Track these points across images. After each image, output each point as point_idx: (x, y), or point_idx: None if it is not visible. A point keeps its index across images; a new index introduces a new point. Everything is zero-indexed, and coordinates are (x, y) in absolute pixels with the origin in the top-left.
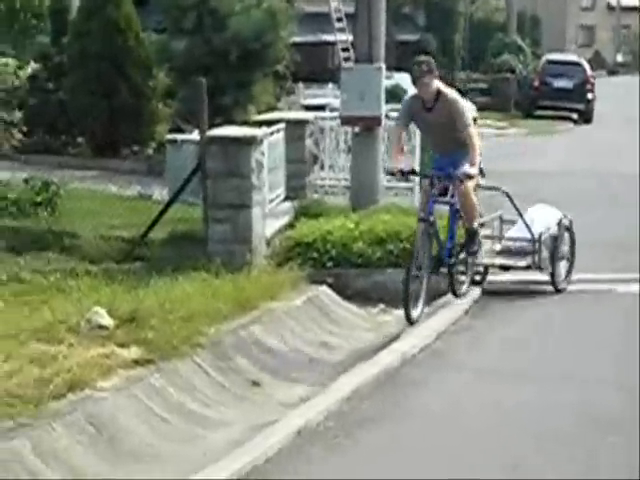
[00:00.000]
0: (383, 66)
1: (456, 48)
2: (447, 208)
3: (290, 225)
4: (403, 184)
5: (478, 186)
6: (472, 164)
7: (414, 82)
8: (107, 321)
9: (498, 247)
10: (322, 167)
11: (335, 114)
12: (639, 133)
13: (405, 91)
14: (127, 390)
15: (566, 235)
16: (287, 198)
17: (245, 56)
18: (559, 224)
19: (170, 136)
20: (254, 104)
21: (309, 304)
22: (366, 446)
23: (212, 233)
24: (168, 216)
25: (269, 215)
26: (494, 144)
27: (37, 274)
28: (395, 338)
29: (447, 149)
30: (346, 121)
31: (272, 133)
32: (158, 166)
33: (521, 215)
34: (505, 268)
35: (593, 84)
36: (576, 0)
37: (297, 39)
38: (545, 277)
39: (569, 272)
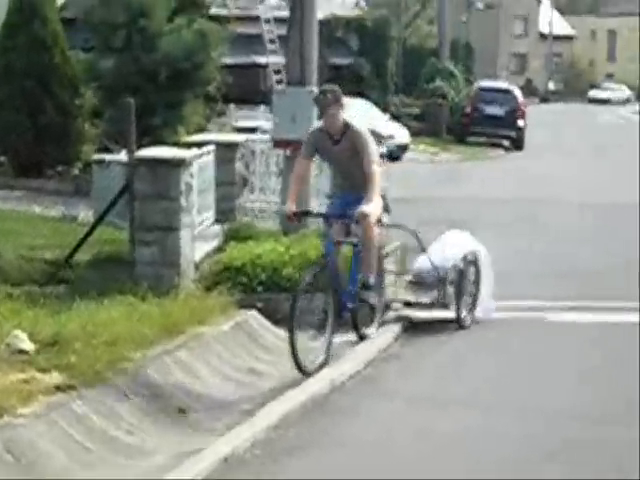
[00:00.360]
0: (315, 89)
1: (389, 73)
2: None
3: (219, 249)
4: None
5: (381, 224)
6: (368, 201)
7: (320, 113)
8: (28, 345)
9: (403, 280)
10: (252, 190)
11: (266, 137)
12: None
13: None
14: (47, 417)
15: (472, 269)
16: (217, 221)
17: (175, 76)
18: (464, 259)
19: (97, 156)
20: (184, 125)
21: (238, 329)
22: (293, 474)
23: (139, 256)
24: (94, 238)
25: (198, 238)
26: (427, 170)
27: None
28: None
29: (354, 185)
30: (278, 144)
31: (202, 155)
32: (84, 187)
33: (426, 254)
34: (408, 304)
35: (524, 111)
36: (508, 28)
37: (229, 60)
38: (449, 315)
39: (473, 307)
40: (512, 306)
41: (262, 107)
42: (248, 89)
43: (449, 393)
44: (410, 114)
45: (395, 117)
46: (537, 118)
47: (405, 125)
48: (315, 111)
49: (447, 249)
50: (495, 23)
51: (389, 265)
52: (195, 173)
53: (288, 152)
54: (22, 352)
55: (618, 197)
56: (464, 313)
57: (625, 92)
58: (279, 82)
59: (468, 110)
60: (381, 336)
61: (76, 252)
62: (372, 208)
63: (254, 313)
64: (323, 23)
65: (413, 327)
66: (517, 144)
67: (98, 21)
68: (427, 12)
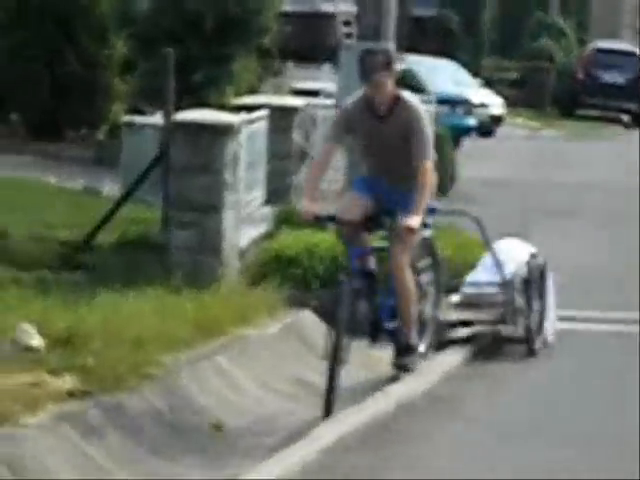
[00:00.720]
0: (392, 46)
1: (483, 28)
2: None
3: (269, 235)
4: None
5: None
6: (416, 212)
7: (363, 78)
8: (37, 341)
9: (456, 297)
10: (307, 161)
11: (330, 102)
12: None
13: (418, 79)
14: (57, 428)
15: (537, 279)
16: (267, 202)
17: (223, 24)
18: (529, 263)
19: (127, 118)
20: (232, 84)
21: (287, 332)
22: None
23: (174, 240)
24: (120, 216)
25: (244, 221)
26: (525, 148)
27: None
28: (392, 379)
29: (393, 178)
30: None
31: (253, 121)
32: (110, 154)
33: (492, 250)
34: (467, 324)
35: None
36: None
37: (288, 7)
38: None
39: (541, 326)
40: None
41: (327, 66)
42: (311, 43)
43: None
44: (507, 79)
45: (488, 83)
46: None
47: (500, 93)
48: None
49: (509, 255)
50: None
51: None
52: (244, 142)
53: None
54: (30, 349)
55: None
56: (535, 332)
57: None
58: (348, 36)
59: (580, 76)
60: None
61: (98, 232)
62: (418, 221)
63: (308, 313)
64: None
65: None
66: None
67: None
68: None
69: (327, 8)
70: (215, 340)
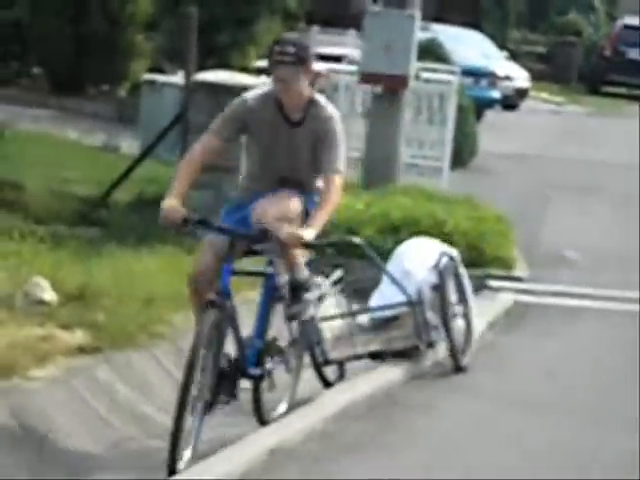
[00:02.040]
0: (418, 14)
1: (511, 3)
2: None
3: None
4: (429, 162)
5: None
6: (315, 226)
7: (270, 71)
8: (49, 296)
9: (359, 322)
10: None
11: (354, 68)
12: None
13: (443, 49)
14: (66, 382)
15: (452, 280)
16: None
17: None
18: (437, 266)
19: (148, 76)
20: (255, 46)
21: None
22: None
23: (190, 199)
24: (138, 174)
25: None
26: (549, 123)
27: None
28: None
29: (283, 184)
30: (366, 78)
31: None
32: (131, 112)
33: (386, 273)
34: (376, 356)
35: None
36: None
37: None
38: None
39: (469, 335)
40: None
41: (351, 31)
42: (336, 8)
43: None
44: (533, 53)
45: (514, 56)
46: None
47: (526, 66)
48: (415, 40)
49: (406, 264)
50: None
51: (331, 308)
52: None
53: (378, 89)
54: (42, 303)
55: None
56: (458, 345)
57: None
58: (375, 1)
59: (608, 53)
60: None
61: (115, 190)
62: (313, 234)
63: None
64: None
65: None
66: None
67: None
68: None
69: None
70: None
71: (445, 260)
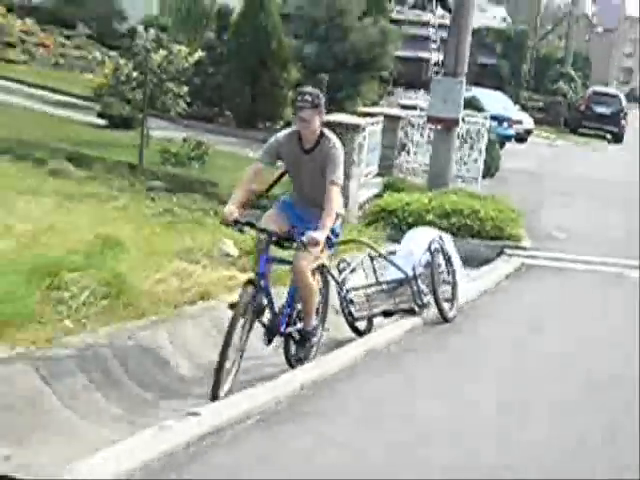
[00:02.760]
0: (464, 80)
1: (523, 73)
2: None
3: (378, 195)
4: (469, 174)
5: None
6: (322, 229)
7: (295, 115)
8: (233, 251)
9: (374, 291)
10: (408, 153)
11: (423, 113)
12: None
13: (479, 102)
14: None
15: (440, 258)
16: (378, 174)
17: (358, 63)
18: (429, 249)
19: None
20: (361, 99)
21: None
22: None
23: None
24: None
25: (363, 186)
26: (545, 151)
27: (185, 210)
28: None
29: (312, 203)
30: (431, 120)
31: (373, 123)
32: None
33: (386, 259)
34: (388, 314)
35: (626, 113)
36: (620, 47)
37: (401, 53)
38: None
39: (453, 297)
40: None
41: (422, 91)
42: (413, 76)
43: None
44: (536, 107)
45: (524, 108)
46: (635, 119)
47: (531, 115)
48: (462, 97)
49: (411, 245)
50: (610, 43)
51: (358, 279)
52: (366, 136)
53: (439, 127)
54: (228, 255)
55: None
56: (444, 305)
57: None
58: (437, 73)
59: (582, 108)
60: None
61: (272, 188)
62: (322, 235)
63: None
64: (475, 31)
65: None
66: (617, 138)
67: (306, 17)
68: (558, 30)
69: (424, 55)
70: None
71: (435, 244)
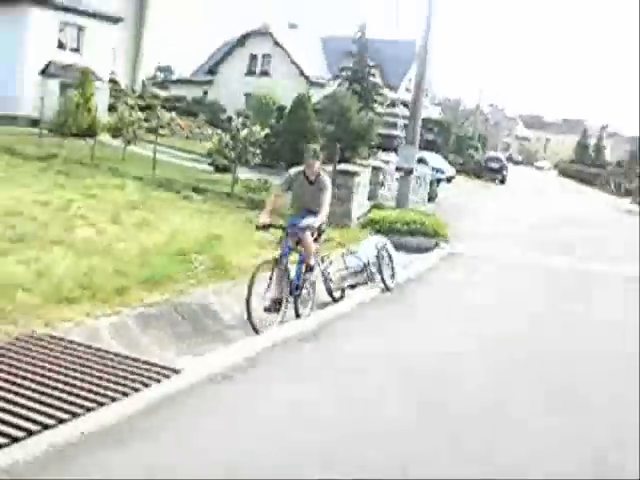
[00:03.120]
0: (417, 147)
1: (449, 144)
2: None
3: (368, 212)
4: (418, 199)
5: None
6: (315, 220)
7: (305, 162)
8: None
9: (344, 274)
10: (384, 187)
11: (393, 166)
12: None
13: (425, 160)
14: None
15: (385, 254)
16: (368, 199)
17: (357, 137)
18: (376, 247)
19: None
20: (359, 157)
21: (373, 241)
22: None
23: (334, 210)
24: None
25: (359, 205)
26: (462, 185)
27: (257, 218)
28: (408, 264)
29: (310, 211)
30: (398, 169)
31: (365, 170)
32: None
33: (352, 253)
34: (352, 286)
35: (507, 167)
36: (502, 132)
37: (381, 131)
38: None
39: (393, 276)
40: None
41: (393, 153)
42: (388, 144)
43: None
44: (457, 163)
45: (450, 163)
46: (511, 170)
47: (454, 167)
48: (416, 156)
49: (369, 246)
50: (497, 129)
51: (336, 265)
52: (362, 178)
53: (402, 173)
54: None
55: (542, 210)
56: (388, 281)
57: (545, 163)
58: (401, 143)
59: (482, 164)
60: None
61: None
62: (315, 223)
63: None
64: (423, 120)
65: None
66: (502, 181)
67: (327, 110)
68: (468, 121)
69: (394, 132)
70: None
71: (380, 245)
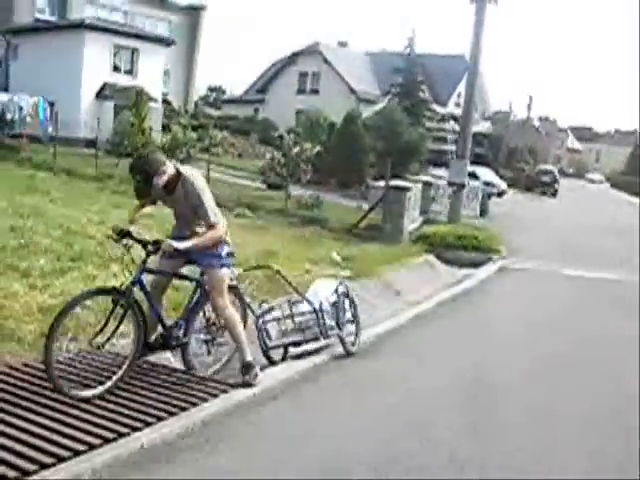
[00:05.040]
0: (468, 161)
1: (500, 157)
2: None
3: (420, 227)
4: (471, 214)
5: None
6: (188, 240)
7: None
8: (337, 258)
9: (290, 326)
10: (436, 202)
11: (444, 181)
12: None
13: (477, 174)
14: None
15: (346, 300)
16: (420, 214)
17: (408, 152)
18: (336, 291)
19: (371, 182)
20: (409, 172)
21: (425, 261)
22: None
23: (386, 227)
24: (369, 217)
25: (411, 221)
26: (514, 199)
27: (311, 235)
28: (463, 278)
29: (186, 227)
30: (450, 183)
31: (416, 185)
32: (366, 194)
33: (297, 291)
34: (297, 344)
35: (558, 180)
36: (553, 144)
37: (431, 147)
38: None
39: (356, 335)
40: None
41: (443, 168)
42: (439, 160)
43: None
44: (508, 177)
45: (501, 177)
46: (562, 183)
47: (506, 180)
48: (467, 170)
49: (321, 289)
50: (549, 140)
51: (276, 313)
52: (413, 193)
53: (454, 187)
54: (335, 261)
55: (577, 220)
56: (348, 339)
57: (597, 175)
58: (452, 157)
59: (534, 177)
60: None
61: (360, 222)
62: (180, 245)
63: (432, 256)
64: (474, 133)
65: None
66: (554, 194)
67: (376, 126)
68: (520, 133)
69: (444, 147)
70: (399, 262)
71: (342, 288)
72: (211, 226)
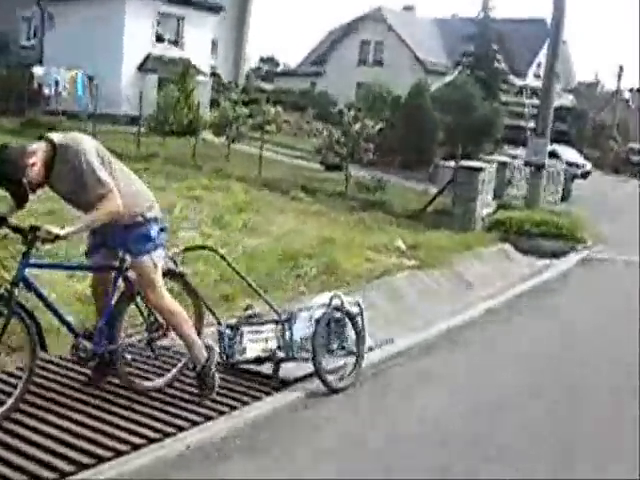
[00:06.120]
0: (548, 139)
1: (585, 135)
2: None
3: (494, 212)
4: (551, 198)
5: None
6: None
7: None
8: (402, 246)
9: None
10: (512, 185)
11: (521, 161)
12: None
13: (558, 153)
14: (408, 277)
15: (347, 323)
16: (494, 198)
17: (480, 128)
18: (328, 306)
19: (441, 162)
20: (483, 151)
21: (500, 250)
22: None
23: (456, 211)
24: (437, 201)
25: (484, 206)
26: (598, 180)
27: (372, 220)
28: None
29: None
30: (527, 163)
31: (490, 166)
32: (434, 176)
33: (261, 296)
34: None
35: None
36: None
37: (507, 122)
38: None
39: (356, 364)
40: None
41: (521, 147)
42: (515, 137)
43: None
44: (593, 156)
45: (586, 157)
46: None
47: (591, 160)
48: (547, 149)
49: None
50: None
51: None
52: (486, 174)
53: (533, 168)
54: (399, 249)
55: None
56: (331, 371)
57: None
58: (530, 135)
59: (622, 156)
60: None
61: (428, 206)
62: (62, 232)
63: (508, 245)
64: (555, 108)
65: None
66: None
67: (446, 98)
68: (608, 108)
69: (521, 123)
70: (470, 251)
71: (335, 300)
72: (101, 197)
